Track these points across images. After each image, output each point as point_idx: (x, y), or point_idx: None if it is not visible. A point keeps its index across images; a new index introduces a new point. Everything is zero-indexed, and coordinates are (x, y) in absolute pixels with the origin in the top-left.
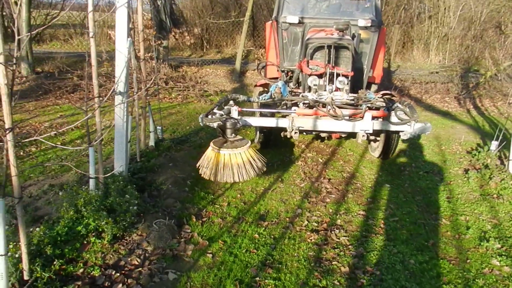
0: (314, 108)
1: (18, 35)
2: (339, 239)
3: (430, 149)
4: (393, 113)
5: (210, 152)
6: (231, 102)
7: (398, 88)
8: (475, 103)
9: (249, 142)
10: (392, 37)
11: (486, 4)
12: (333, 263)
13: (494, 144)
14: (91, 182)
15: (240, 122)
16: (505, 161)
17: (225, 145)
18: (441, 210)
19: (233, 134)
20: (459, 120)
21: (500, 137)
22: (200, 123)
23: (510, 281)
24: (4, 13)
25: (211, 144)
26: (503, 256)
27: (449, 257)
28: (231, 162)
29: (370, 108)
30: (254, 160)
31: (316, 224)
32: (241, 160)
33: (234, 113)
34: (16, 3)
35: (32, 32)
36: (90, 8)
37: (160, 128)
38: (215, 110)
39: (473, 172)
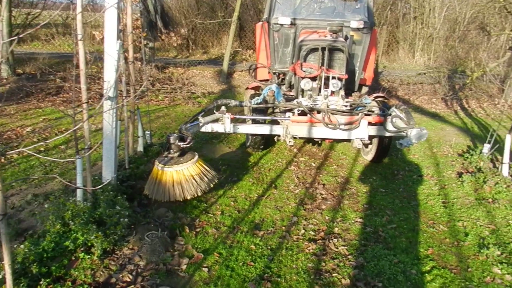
0: (309, 115)
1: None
2: (337, 248)
3: (422, 151)
4: (389, 118)
5: (154, 170)
6: (223, 108)
7: (386, 89)
8: (462, 104)
9: (196, 156)
10: (379, 38)
11: (470, 5)
12: (333, 275)
13: (486, 147)
14: (79, 193)
15: (190, 136)
16: (497, 164)
17: (170, 161)
18: (437, 215)
19: (176, 150)
20: (448, 122)
21: (492, 140)
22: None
23: None
24: None
25: (156, 161)
26: (503, 264)
27: (450, 266)
28: (173, 180)
29: (365, 114)
30: (201, 175)
31: (313, 233)
32: (186, 176)
33: (227, 120)
34: None
35: (20, 36)
36: (79, 9)
37: (148, 132)
38: (199, 118)
39: (467, 176)
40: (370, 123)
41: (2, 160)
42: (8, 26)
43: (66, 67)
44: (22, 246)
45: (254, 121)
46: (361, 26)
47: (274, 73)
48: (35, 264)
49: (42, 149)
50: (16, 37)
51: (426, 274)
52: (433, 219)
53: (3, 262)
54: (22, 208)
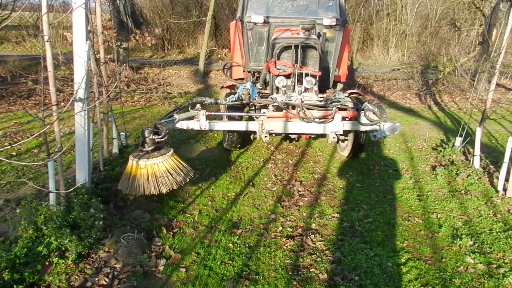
0: (284, 111)
1: None
2: (315, 244)
3: (397, 146)
4: (362, 113)
5: (128, 164)
6: (198, 105)
7: (362, 85)
8: (435, 99)
9: (171, 151)
10: (353, 35)
11: (441, 1)
12: (311, 270)
13: (458, 140)
14: (51, 197)
15: (165, 131)
16: (469, 157)
17: (144, 155)
18: (412, 208)
19: (151, 144)
20: (422, 117)
21: (464, 134)
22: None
23: (485, 279)
24: None
25: (130, 156)
26: (476, 254)
27: (425, 257)
28: (148, 173)
29: (339, 109)
30: (176, 169)
31: (291, 230)
32: (161, 170)
33: (202, 117)
34: None
35: None
36: (44, 10)
37: (123, 134)
38: (174, 115)
39: (440, 169)
40: (344, 118)
41: None
42: None
43: (37, 69)
44: None
45: (230, 118)
46: (334, 23)
47: (249, 72)
48: (7, 270)
49: (14, 153)
50: None
51: (402, 266)
52: (408, 212)
53: None
54: None
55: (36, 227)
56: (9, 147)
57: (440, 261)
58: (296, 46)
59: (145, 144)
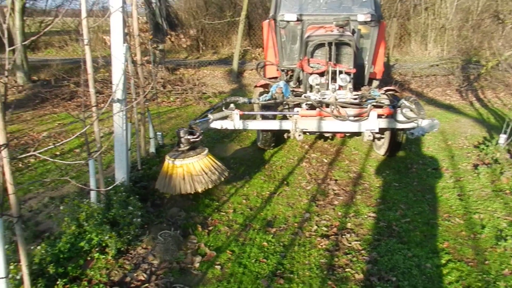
0: (318, 109)
1: (10, 45)
2: (350, 244)
3: (436, 144)
4: (399, 110)
5: (165, 164)
6: (232, 105)
7: (399, 82)
8: (477, 95)
9: (206, 150)
10: (389, 31)
11: None
12: (346, 270)
13: (502, 138)
14: (92, 194)
15: (200, 131)
16: None
17: (180, 155)
18: (453, 208)
19: (186, 144)
20: (463, 113)
21: (509, 130)
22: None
23: None
24: None
25: (166, 156)
26: None
27: (467, 259)
28: (183, 172)
29: (375, 106)
30: (211, 168)
31: (325, 229)
32: (196, 169)
33: (236, 117)
34: (11, 13)
35: (24, 43)
36: (83, 14)
37: (160, 133)
38: (209, 115)
39: (483, 168)
40: (380, 116)
41: (20, 165)
42: (21, 34)
43: (79, 72)
44: (39, 247)
45: (263, 117)
46: (368, 19)
47: (283, 70)
48: (52, 264)
49: (58, 153)
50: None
51: (442, 268)
52: (448, 212)
53: (21, 263)
54: (39, 211)
55: (78, 223)
56: (52, 146)
57: (483, 263)
58: (330, 43)
59: (181, 144)
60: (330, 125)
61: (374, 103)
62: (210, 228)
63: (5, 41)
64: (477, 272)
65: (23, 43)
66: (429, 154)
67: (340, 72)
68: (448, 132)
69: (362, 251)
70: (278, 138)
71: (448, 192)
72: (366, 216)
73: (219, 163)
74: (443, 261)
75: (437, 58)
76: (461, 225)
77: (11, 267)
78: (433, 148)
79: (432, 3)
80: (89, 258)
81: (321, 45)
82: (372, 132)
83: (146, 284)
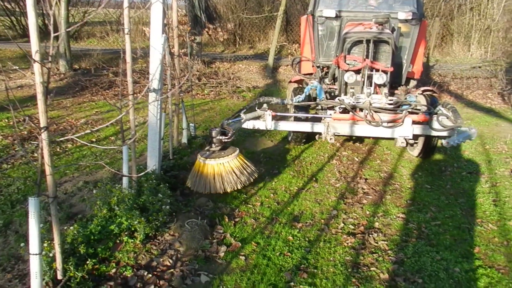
0: (351, 113)
1: (54, 32)
2: (377, 243)
3: (473, 148)
4: (435, 117)
5: (196, 163)
6: (265, 105)
7: (438, 83)
8: None
9: (237, 151)
10: (431, 30)
11: None
12: (371, 269)
13: None
14: (124, 180)
15: (232, 131)
16: None
17: (211, 155)
18: (487, 214)
19: (218, 144)
20: (504, 118)
21: None
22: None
23: None
24: (43, 12)
25: (198, 154)
26: None
27: (498, 266)
28: (214, 172)
29: (410, 112)
30: (241, 169)
31: (352, 227)
32: (226, 169)
33: (268, 117)
34: (57, 2)
35: (68, 29)
36: (125, 4)
37: (193, 125)
38: (241, 115)
39: None
40: (414, 122)
41: (57, 149)
42: (66, 23)
43: (118, 62)
44: (71, 228)
45: (296, 118)
46: (410, 17)
47: (318, 67)
48: (83, 245)
49: (94, 139)
50: (66, 30)
51: (471, 273)
52: (481, 217)
53: (54, 242)
54: (74, 194)
55: (110, 207)
56: (88, 131)
57: None
58: (368, 41)
59: (213, 144)
60: (363, 129)
61: (409, 110)
62: (237, 219)
63: (51, 27)
64: (508, 279)
65: (67, 29)
66: (465, 157)
67: (377, 71)
68: (487, 136)
69: (389, 251)
70: (309, 135)
71: (483, 197)
72: (395, 217)
73: (249, 164)
74: (472, 266)
75: (479, 60)
76: (494, 231)
77: (45, 244)
78: (470, 152)
79: (478, 3)
80: (118, 241)
81: (359, 42)
82: (405, 139)
83: (172, 270)
